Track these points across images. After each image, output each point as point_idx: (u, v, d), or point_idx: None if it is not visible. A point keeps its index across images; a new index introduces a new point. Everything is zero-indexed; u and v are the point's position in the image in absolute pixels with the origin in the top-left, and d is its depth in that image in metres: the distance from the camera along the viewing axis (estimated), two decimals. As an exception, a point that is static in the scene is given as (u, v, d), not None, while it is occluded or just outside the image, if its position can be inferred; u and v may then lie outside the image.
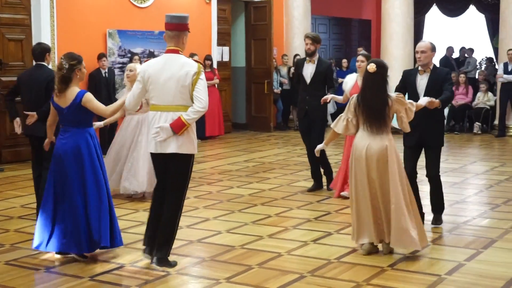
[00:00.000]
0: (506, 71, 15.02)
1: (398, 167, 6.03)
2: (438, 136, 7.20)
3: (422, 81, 7.13)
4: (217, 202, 8.58)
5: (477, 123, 15.87)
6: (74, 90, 6.12)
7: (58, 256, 6.11)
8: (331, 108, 14.73)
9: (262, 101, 16.62)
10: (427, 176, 7.23)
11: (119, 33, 13.33)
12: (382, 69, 6.12)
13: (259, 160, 12.08)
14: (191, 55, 14.49)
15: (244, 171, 10.94)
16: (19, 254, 6.29)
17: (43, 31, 12.10)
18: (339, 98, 8.81)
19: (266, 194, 9.08)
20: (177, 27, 5.86)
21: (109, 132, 12.18)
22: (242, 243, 6.57)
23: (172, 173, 5.81)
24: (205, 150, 13.31)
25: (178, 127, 5.63)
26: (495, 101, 15.82)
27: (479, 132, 15.77)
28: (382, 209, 6.05)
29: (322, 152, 8.22)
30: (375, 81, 6.08)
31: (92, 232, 5.96)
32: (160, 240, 5.80)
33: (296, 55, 16.87)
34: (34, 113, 7.22)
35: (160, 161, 5.85)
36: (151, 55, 13.76)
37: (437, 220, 7.32)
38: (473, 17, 20.62)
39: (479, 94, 16.30)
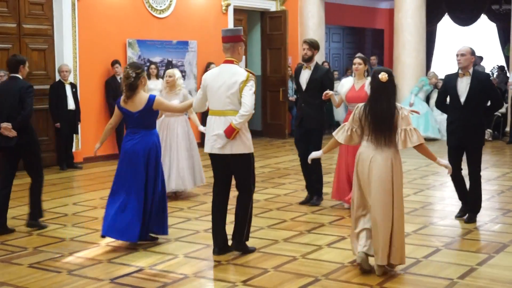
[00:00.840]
0: (517, 79, 14.98)
1: (400, 184, 5.70)
2: (477, 138, 7.53)
3: (462, 84, 7.43)
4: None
5: (488, 130, 15.80)
6: (143, 95, 6.67)
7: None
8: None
9: (277, 109, 16.64)
10: (468, 174, 7.65)
11: (138, 42, 13.40)
12: (393, 77, 5.71)
13: (274, 166, 12.08)
14: (208, 65, 14.59)
15: (260, 176, 10.94)
16: (42, 257, 6.33)
17: (65, 41, 12.19)
18: (336, 99, 8.37)
19: (281, 199, 9.08)
20: (231, 39, 6.34)
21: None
22: (258, 246, 6.57)
23: (235, 174, 6.39)
24: (222, 157, 13.30)
25: (229, 133, 6.10)
26: (507, 109, 15.76)
27: (491, 139, 15.68)
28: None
29: (317, 162, 8.24)
30: (387, 91, 5.64)
31: (151, 222, 6.67)
32: (235, 233, 6.42)
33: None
34: (10, 124, 7.14)
35: (217, 160, 6.32)
36: (169, 64, 13.82)
37: (470, 219, 7.58)
38: (485, 26, 20.55)
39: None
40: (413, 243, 6.73)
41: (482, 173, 10.95)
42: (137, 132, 6.66)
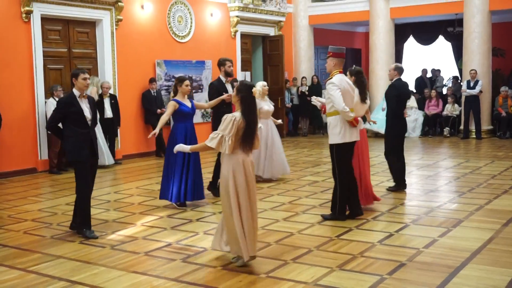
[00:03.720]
0: (468, 87, 14.90)
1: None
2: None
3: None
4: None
5: (446, 128, 15.75)
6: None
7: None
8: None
9: (277, 114, 16.53)
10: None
11: (165, 62, 13.38)
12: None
13: (275, 160, 12.02)
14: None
15: (264, 168, 10.91)
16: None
17: (106, 62, 12.18)
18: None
19: (281, 186, 9.05)
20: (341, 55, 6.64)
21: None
22: (263, 225, 6.55)
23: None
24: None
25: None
26: (460, 111, 15.70)
27: (448, 135, 15.64)
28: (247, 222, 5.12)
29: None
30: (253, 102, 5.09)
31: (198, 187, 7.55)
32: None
33: (303, 77, 16.88)
34: None
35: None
36: (190, 79, 13.79)
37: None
38: (442, 44, 20.47)
39: (447, 105, 16.19)
40: (387, 220, 6.72)
41: (441, 163, 10.97)
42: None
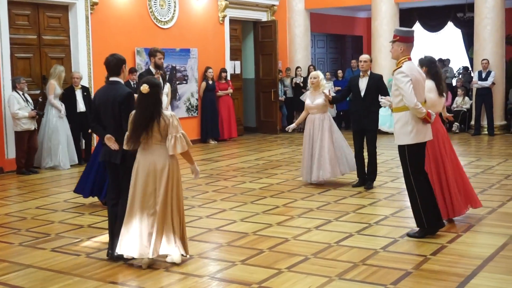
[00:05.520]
0: (480, 78, 14.98)
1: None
2: (373, 123, 8.77)
3: (362, 83, 8.71)
4: (232, 195, 8.58)
5: (455, 123, 15.82)
6: None
7: None
8: (332, 112, 12.92)
9: (270, 108, 16.63)
10: (367, 151, 8.80)
11: (145, 50, 13.35)
12: (155, 88, 5.36)
13: (267, 158, 12.07)
14: (206, 69, 14.58)
15: (255, 168, 10.94)
16: (63, 242, 6.33)
17: (80, 50, 12.15)
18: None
19: (274, 187, 9.07)
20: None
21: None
22: (254, 230, 6.57)
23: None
24: (222, 150, 13.32)
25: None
26: (471, 104, 15.78)
27: (458, 131, 15.72)
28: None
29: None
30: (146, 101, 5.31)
31: None
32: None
33: (297, 67, 16.90)
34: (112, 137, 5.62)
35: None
36: (173, 69, 13.80)
37: (369, 186, 8.75)
38: (451, 32, 20.54)
39: (457, 98, 16.27)
40: (391, 225, 6.75)
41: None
42: None
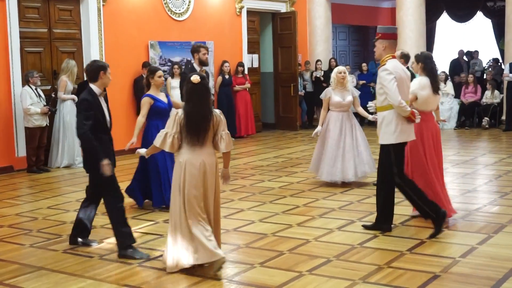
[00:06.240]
0: (511, 71, 14.84)
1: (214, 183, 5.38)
2: None
3: None
4: (250, 194, 8.59)
5: (485, 118, 15.70)
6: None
7: None
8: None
9: (289, 103, 16.60)
10: None
11: (159, 44, 13.40)
12: (205, 80, 5.30)
13: (287, 156, 12.06)
14: (223, 63, 14.59)
15: (274, 166, 10.94)
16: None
17: (92, 44, 12.22)
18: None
19: (294, 186, 9.07)
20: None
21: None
22: (273, 231, 6.57)
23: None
24: (239, 148, 13.33)
25: None
26: (502, 98, 15.65)
27: (487, 126, 15.60)
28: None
29: None
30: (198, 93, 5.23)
31: None
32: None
33: (317, 60, 16.86)
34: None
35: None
36: (189, 63, 13.80)
37: None
38: (481, 22, 20.38)
39: (486, 92, 16.16)
40: (417, 225, 6.71)
41: (480, 159, 10.95)
42: None
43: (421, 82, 6.69)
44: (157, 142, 5.29)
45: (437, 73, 6.95)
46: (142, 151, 5.93)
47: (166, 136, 5.24)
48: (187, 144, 5.23)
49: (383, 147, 6.37)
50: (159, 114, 7.50)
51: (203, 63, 8.37)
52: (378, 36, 6.40)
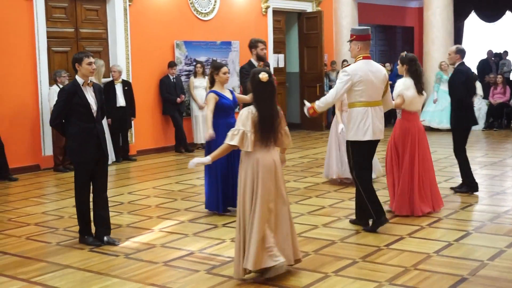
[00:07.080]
0: (541, 71, 14.69)
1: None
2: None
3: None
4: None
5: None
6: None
7: None
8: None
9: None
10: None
11: (185, 43, 13.46)
12: (272, 77, 5.19)
13: (312, 157, 12.04)
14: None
15: (300, 166, 10.92)
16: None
17: (118, 43, 12.31)
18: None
19: (319, 187, 9.05)
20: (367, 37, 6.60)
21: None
22: (299, 231, 6.55)
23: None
24: (264, 148, 13.30)
25: None
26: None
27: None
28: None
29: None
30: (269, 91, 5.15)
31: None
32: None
33: (344, 60, 16.79)
34: None
35: (375, 145, 6.68)
36: (214, 61, 13.84)
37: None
38: (510, 22, 20.17)
39: (516, 93, 15.99)
40: (445, 227, 6.67)
41: (508, 161, 10.83)
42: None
43: (405, 82, 7.17)
44: (234, 141, 5.01)
45: (421, 75, 7.29)
46: (202, 160, 5.17)
47: (244, 134, 5.02)
48: (260, 143, 5.08)
49: (346, 144, 6.72)
50: (224, 111, 7.33)
51: (260, 58, 8.35)
52: (353, 38, 6.56)
